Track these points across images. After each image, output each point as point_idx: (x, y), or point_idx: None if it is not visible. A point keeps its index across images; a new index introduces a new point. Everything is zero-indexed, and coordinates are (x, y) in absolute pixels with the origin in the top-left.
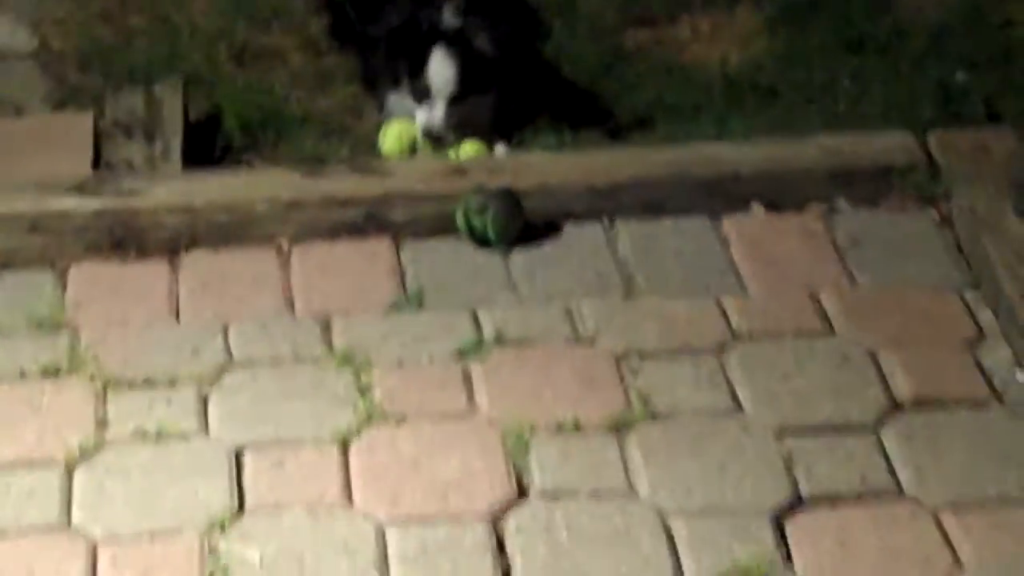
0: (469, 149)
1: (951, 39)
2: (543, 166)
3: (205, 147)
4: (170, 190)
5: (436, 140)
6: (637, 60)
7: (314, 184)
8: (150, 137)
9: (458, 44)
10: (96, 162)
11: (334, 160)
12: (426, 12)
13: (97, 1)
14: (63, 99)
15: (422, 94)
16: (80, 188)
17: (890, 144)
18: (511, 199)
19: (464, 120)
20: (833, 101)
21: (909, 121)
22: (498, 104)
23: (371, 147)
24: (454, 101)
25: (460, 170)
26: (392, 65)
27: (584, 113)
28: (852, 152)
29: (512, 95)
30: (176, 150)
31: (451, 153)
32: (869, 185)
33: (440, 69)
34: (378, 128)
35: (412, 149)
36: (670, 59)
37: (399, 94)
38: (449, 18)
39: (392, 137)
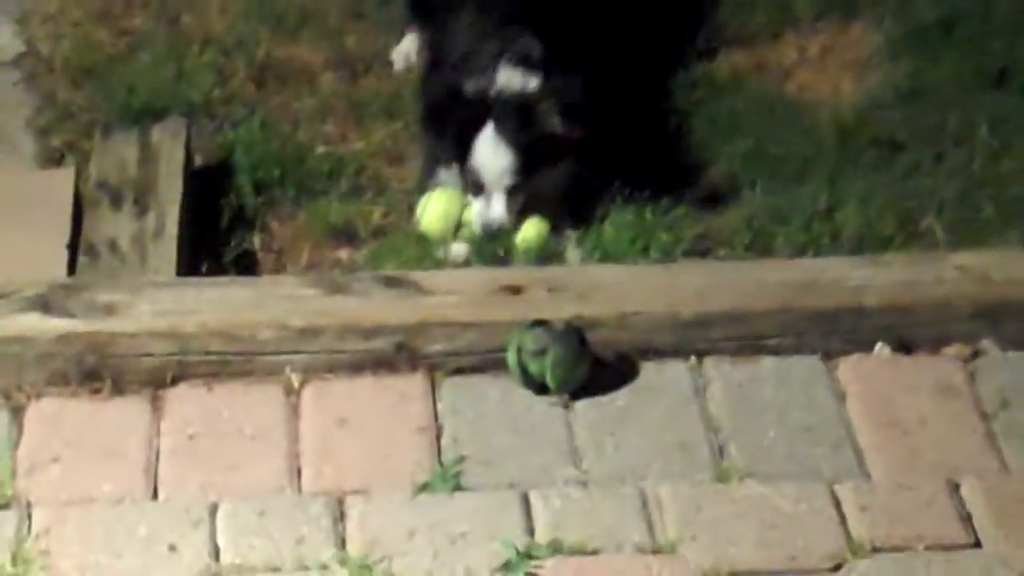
0: (531, 232)
1: None
2: (617, 287)
3: (211, 209)
4: (156, 308)
5: (493, 238)
6: (733, 91)
7: (333, 304)
8: (142, 205)
9: (515, 120)
10: (75, 238)
11: (357, 277)
12: (478, 65)
13: None
14: (48, 126)
15: (475, 187)
16: (43, 303)
17: None
18: (575, 340)
19: (530, 204)
20: (969, 156)
21: None
22: (571, 178)
23: (410, 210)
24: (515, 190)
25: (513, 288)
26: (436, 145)
27: (668, 168)
28: (1002, 277)
29: (587, 165)
30: (172, 225)
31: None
32: (1021, 323)
33: (492, 158)
34: (419, 184)
35: (458, 227)
36: (772, 91)
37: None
38: (507, 78)
39: (435, 216)
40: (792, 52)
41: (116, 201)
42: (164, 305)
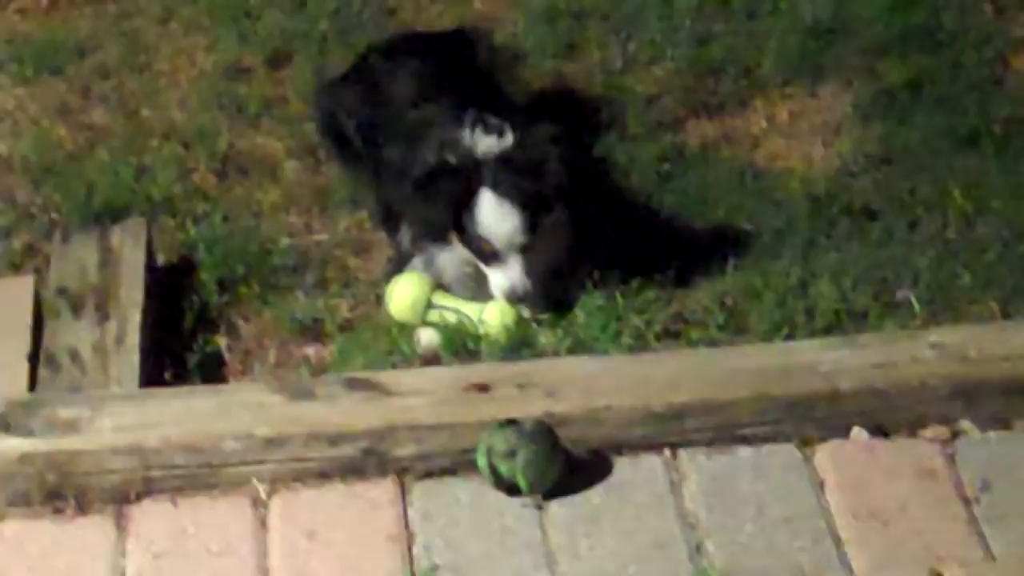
0: (496, 319)
1: None
2: (587, 381)
3: (174, 310)
4: (118, 422)
5: (521, 300)
6: (702, 163)
7: (298, 410)
8: (103, 311)
9: (508, 177)
10: (35, 348)
11: (322, 380)
12: (450, 137)
13: (55, 91)
14: (8, 227)
15: (487, 256)
16: (3, 422)
17: None
18: (546, 439)
19: (551, 261)
20: (943, 222)
21: None
22: (574, 225)
23: (378, 300)
24: (529, 249)
25: (481, 386)
26: (429, 224)
27: (638, 248)
28: (979, 355)
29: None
30: (134, 332)
31: (473, 316)
32: (1000, 401)
33: (499, 221)
34: (386, 270)
35: (425, 312)
36: (742, 161)
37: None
38: (486, 141)
39: (404, 304)
40: (761, 119)
41: (77, 308)
42: (126, 419)
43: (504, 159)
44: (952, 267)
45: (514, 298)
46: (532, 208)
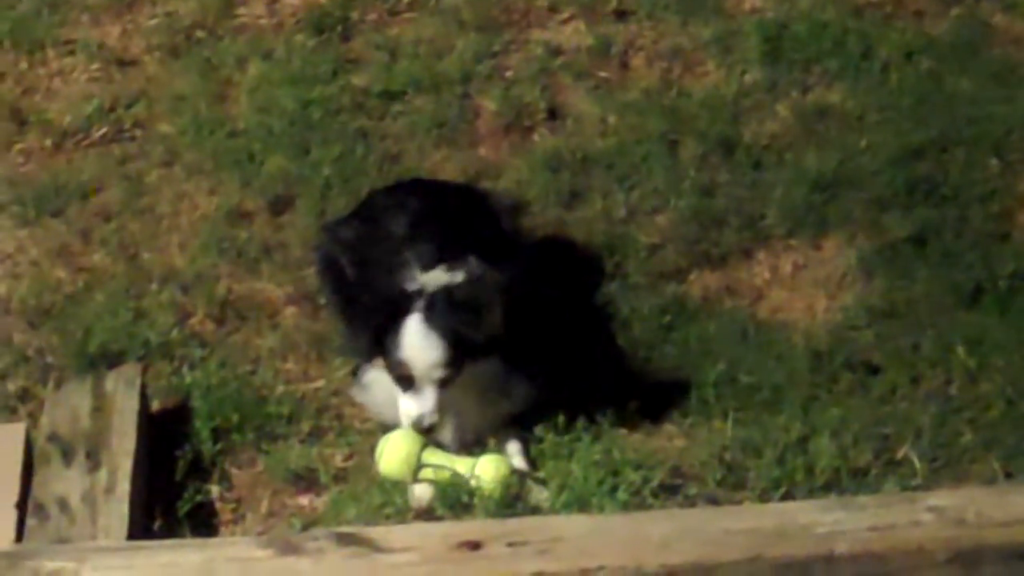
0: (489, 472)
1: None
2: (580, 541)
3: (167, 456)
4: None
5: (426, 431)
6: (705, 315)
7: (285, 567)
8: (94, 459)
9: (442, 309)
10: (24, 495)
11: (312, 535)
12: (412, 272)
13: (56, 234)
14: (4, 371)
15: (404, 381)
16: None
17: None
18: None
19: (464, 400)
20: (946, 378)
21: None
22: (507, 370)
23: (372, 451)
24: (444, 383)
25: (473, 543)
26: (357, 341)
27: (638, 401)
28: (978, 519)
29: (524, 359)
30: (125, 481)
31: (464, 470)
32: (999, 566)
33: (421, 350)
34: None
35: (418, 469)
36: (745, 314)
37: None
38: (432, 276)
39: (397, 460)
40: (764, 271)
41: (68, 455)
42: (112, 573)
43: (444, 293)
44: (954, 425)
45: (418, 427)
46: (456, 344)
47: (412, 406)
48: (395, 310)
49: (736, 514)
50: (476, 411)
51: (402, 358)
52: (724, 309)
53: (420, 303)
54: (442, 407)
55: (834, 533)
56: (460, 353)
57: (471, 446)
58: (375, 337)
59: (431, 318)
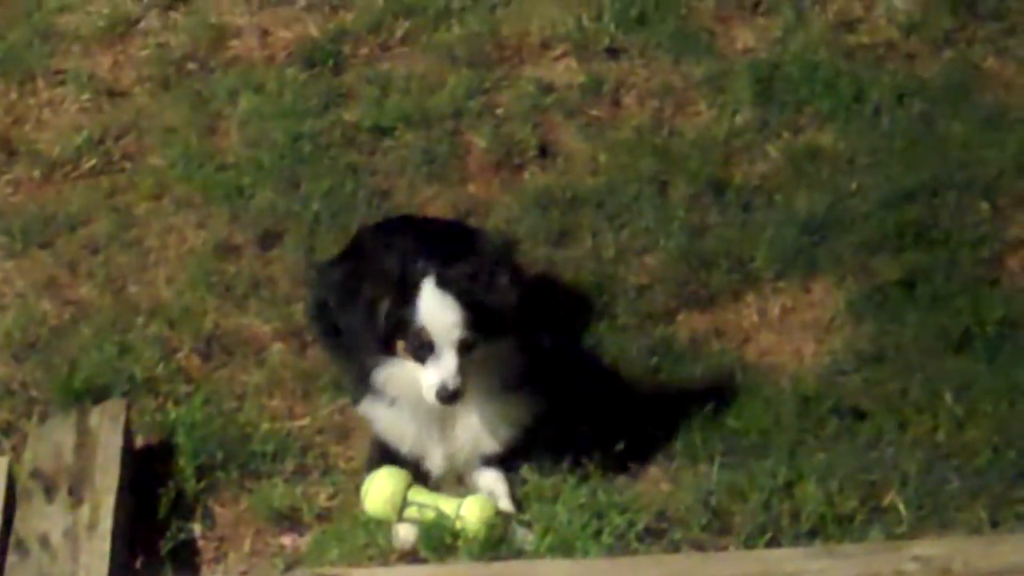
0: (475, 514)
1: None
2: None
3: (150, 493)
4: None
5: (451, 400)
6: (692, 358)
7: None
8: (77, 495)
9: (457, 275)
10: (5, 532)
11: None
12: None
13: (43, 265)
14: None
15: (424, 350)
16: None
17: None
18: None
19: (484, 378)
20: (933, 424)
21: None
22: (520, 363)
23: (357, 490)
24: (465, 348)
25: None
26: (374, 325)
27: (623, 443)
28: (963, 569)
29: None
30: (107, 517)
31: (449, 510)
32: None
33: (439, 310)
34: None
35: (403, 509)
36: (732, 355)
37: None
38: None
39: (382, 499)
40: (753, 313)
41: (50, 491)
42: None
43: (456, 261)
44: (941, 472)
45: (443, 395)
46: (471, 304)
47: (433, 375)
48: (405, 288)
49: (721, 560)
50: (489, 408)
51: (421, 324)
52: (712, 351)
53: (429, 271)
54: (464, 373)
55: None
56: (476, 315)
57: (459, 469)
58: (393, 312)
59: (444, 282)
